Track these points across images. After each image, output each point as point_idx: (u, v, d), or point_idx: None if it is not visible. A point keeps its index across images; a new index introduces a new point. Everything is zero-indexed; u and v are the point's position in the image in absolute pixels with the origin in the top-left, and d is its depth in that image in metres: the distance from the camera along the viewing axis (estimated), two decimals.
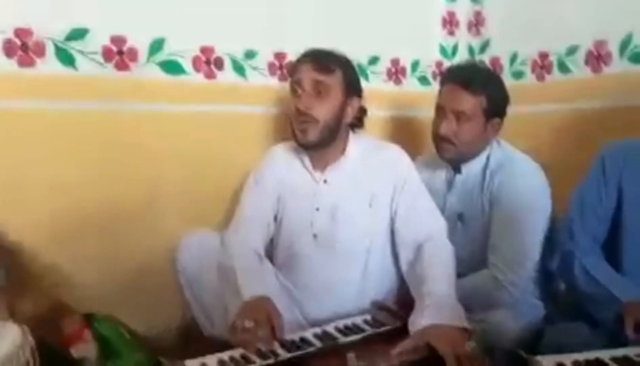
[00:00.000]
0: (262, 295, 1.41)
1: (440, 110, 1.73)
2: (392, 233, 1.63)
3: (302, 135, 1.59)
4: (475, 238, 1.70)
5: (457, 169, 1.77)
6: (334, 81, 1.58)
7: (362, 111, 1.69)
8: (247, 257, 1.57)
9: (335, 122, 1.59)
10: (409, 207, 1.61)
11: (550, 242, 1.61)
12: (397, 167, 1.65)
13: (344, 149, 1.65)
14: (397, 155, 1.68)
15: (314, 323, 1.55)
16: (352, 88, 1.63)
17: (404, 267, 1.59)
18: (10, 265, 1.54)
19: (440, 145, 1.73)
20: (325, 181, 1.65)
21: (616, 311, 1.26)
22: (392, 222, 1.63)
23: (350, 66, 1.65)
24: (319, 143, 1.60)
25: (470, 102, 1.66)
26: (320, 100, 1.57)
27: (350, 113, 1.63)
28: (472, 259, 1.66)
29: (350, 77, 1.63)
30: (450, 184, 1.80)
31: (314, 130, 1.57)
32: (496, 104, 1.70)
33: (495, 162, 1.72)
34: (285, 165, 1.70)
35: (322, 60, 1.58)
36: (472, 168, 1.75)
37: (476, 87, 1.66)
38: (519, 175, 1.65)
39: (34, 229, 1.64)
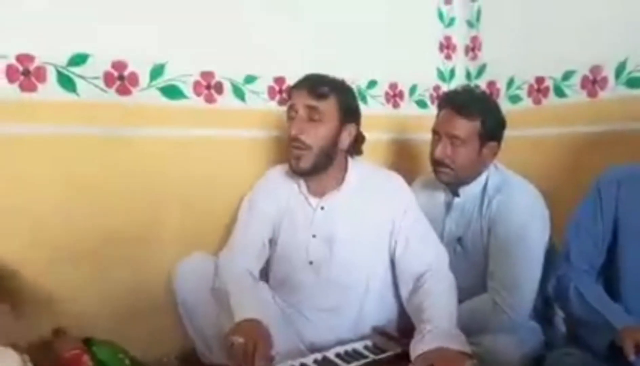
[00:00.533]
0: (253, 317, 1.39)
1: (435, 134, 1.75)
2: (392, 262, 1.62)
3: (296, 163, 1.58)
4: (476, 262, 1.70)
5: (455, 192, 1.78)
6: (327, 107, 1.57)
7: (361, 138, 1.68)
8: (241, 280, 1.56)
9: (329, 149, 1.58)
10: (409, 238, 1.60)
11: (548, 266, 1.61)
12: (397, 197, 1.64)
13: (343, 176, 1.64)
14: (397, 185, 1.68)
15: (311, 347, 1.56)
16: (349, 115, 1.62)
17: (404, 297, 1.58)
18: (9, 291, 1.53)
19: (437, 169, 1.74)
20: (322, 208, 1.63)
21: (609, 338, 1.23)
22: (392, 252, 1.62)
23: (346, 93, 1.63)
24: (313, 170, 1.59)
25: (464, 126, 1.68)
26: (313, 125, 1.56)
27: (345, 140, 1.62)
28: (473, 287, 1.65)
29: (345, 103, 1.61)
30: (448, 207, 1.81)
31: (307, 158, 1.56)
32: (491, 128, 1.71)
33: (493, 185, 1.72)
34: (281, 188, 1.69)
35: (316, 86, 1.57)
36: (470, 192, 1.75)
37: (470, 111, 1.68)
38: (517, 199, 1.66)
39: (33, 254, 1.63)
